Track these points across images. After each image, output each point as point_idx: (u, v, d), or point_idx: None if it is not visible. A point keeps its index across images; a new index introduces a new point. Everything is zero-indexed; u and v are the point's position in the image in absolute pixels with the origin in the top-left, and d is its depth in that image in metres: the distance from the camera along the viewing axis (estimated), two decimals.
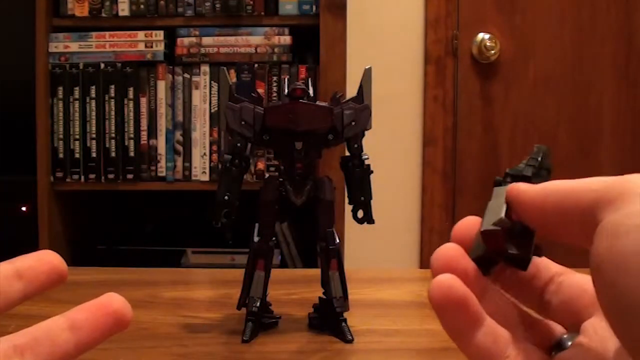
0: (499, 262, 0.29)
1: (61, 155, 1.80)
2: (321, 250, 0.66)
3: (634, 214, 0.22)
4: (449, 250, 0.29)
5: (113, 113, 1.79)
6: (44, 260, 0.29)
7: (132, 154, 1.80)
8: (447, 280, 0.27)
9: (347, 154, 0.67)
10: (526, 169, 0.31)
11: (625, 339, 0.22)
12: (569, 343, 0.28)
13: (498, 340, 0.27)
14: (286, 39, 1.78)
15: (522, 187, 0.28)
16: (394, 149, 2.11)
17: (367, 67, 0.67)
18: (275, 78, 1.77)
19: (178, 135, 1.80)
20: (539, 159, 0.31)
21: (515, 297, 0.30)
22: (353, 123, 0.65)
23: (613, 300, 0.22)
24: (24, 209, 1.87)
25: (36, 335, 0.26)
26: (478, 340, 0.27)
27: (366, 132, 0.66)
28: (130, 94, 1.79)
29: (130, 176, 1.79)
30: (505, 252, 0.28)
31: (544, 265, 0.30)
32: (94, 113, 1.79)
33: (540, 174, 0.31)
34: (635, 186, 0.23)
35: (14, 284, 0.28)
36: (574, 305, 0.29)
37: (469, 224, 0.30)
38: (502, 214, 0.28)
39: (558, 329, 0.29)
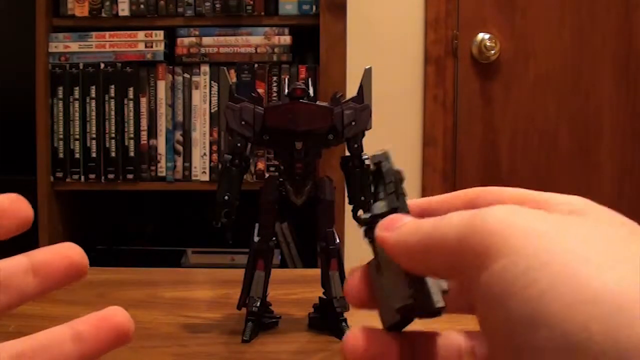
0: (412, 319, 0.28)
1: (61, 155, 1.80)
2: (321, 250, 0.66)
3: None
4: (359, 342, 0.28)
5: (113, 113, 1.79)
6: (62, 255, 0.28)
7: (132, 154, 1.80)
8: None
9: (347, 154, 0.67)
10: (386, 205, 0.31)
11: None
12: None
13: None
14: (286, 39, 1.78)
15: (384, 235, 0.28)
16: (394, 149, 2.11)
17: (367, 67, 0.67)
18: (275, 78, 1.77)
19: (178, 135, 1.80)
20: (394, 186, 0.31)
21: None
22: (353, 123, 0.65)
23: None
24: None
25: (41, 343, 0.25)
26: None
27: (366, 132, 0.66)
28: (130, 94, 1.79)
29: (130, 176, 1.79)
30: (418, 313, 0.27)
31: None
32: (94, 113, 1.79)
33: (400, 201, 0.31)
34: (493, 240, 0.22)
35: (29, 280, 0.27)
36: None
37: (358, 285, 0.30)
38: (406, 286, 0.27)
39: None
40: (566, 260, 0.20)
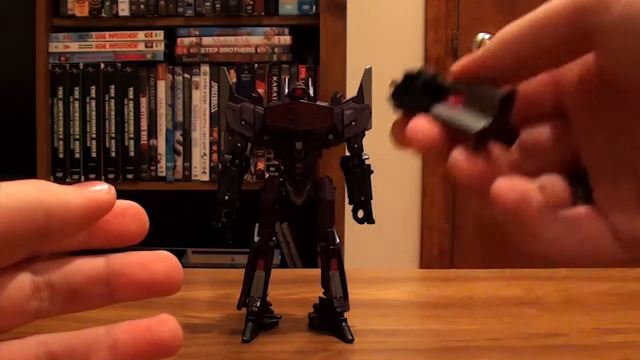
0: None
1: (61, 155, 1.80)
2: (321, 250, 0.66)
3: None
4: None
5: (113, 113, 1.79)
6: (145, 266, 0.25)
7: (132, 154, 1.80)
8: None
9: (347, 153, 0.67)
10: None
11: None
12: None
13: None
14: (286, 39, 1.78)
15: (472, 55, 0.29)
16: (394, 149, 2.11)
17: (367, 67, 0.67)
18: (275, 78, 1.77)
19: (178, 135, 1.80)
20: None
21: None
22: (353, 123, 0.65)
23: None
24: None
25: (74, 345, 0.24)
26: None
27: (366, 132, 0.66)
28: (130, 94, 1.79)
29: (130, 176, 1.79)
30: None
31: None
32: (94, 113, 1.79)
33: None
34: None
35: (99, 289, 0.24)
36: None
37: (427, 125, 0.29)
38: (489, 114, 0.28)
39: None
40: None
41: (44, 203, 0.22)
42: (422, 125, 0.29)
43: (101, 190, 0.24)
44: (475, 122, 0.28)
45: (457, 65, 0.30)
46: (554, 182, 0.28)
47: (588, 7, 0.25)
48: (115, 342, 0.24)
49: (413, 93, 0.30)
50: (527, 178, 0.28)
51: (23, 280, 0.23)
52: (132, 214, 0.25)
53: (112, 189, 0.24)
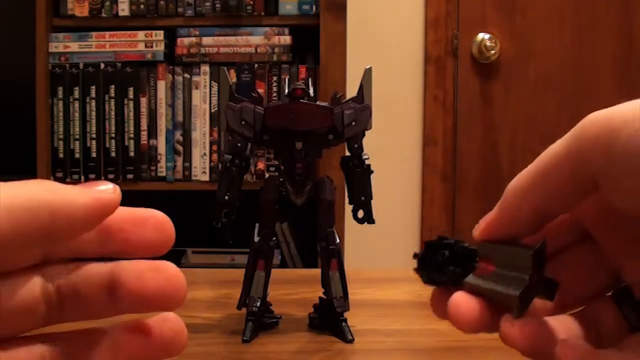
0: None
1: (61, 155, 1.80)
2: (321, 250, 0.66)
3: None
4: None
5: (113, 113, 1.79)
6: (145, 277, 0.24)
7: (132, 154, 1.80)
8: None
9: (348, 153, 0.67)
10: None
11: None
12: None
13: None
14: (286, 39, 1.78)
15: (489, 217, 0.29)
16: (394, 149, 2.11)
17: (367, 67, 0.67)
18: (275, 78, 1.77)
19: (178, 135, 1.80)
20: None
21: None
22: (353, 123, 0.65)
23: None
24: None
25: (76, 343, 0.23)
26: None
27: (366, 132, 0.66)
28: (130, 94, 1.79)
29: (130, 176, 1.79)
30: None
31: None
32: (94, 113, 1.79)
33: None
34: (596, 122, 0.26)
35: (101, 299, 0.24)
36: None
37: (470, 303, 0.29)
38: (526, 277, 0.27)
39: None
40: None
41: (49, 203, 0.22)
42: (462, 304, 0.28)
43: (106, 189, 0.23)
44: (515, 285, 0.27)
45: (478, 229, 0.30)
46: (601, 311, 0.29)
47: (588, 154, 0.26)
48: (117, 341, 0.24)
49: (439, 264, 0.30)
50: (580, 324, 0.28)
51: (34, 284, 0.23)
52: (153, 223, 0.25)
53: (117, 189, 0.24)
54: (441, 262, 0.29)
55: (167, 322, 0.24)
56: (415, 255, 0.30)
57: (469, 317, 0.28)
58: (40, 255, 0.23)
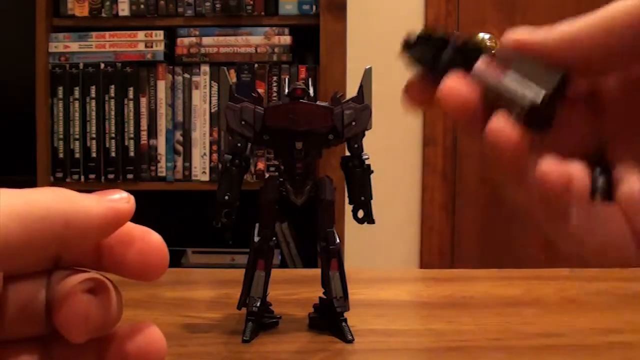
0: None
1: (61, 155, 1.80)
2: (321, 250, 0.66)
3: None
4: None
5: (113, 113, 1.79)
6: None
7: (132, 154, 1.80)
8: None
9: (348, 153, 0.67)
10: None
11: None
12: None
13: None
14: (286, 39, 1.78)
15: (536, 34, 0.26)
16: (394, 149, 2.11)
17: (367, 67, 0.67)
18: (275, 78, 1.77)
19: (178, 135, 1.80)
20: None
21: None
22: (353, 123, 0.65)
23: None
24: None
25: (65, 355, 0.23)
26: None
27: (366, 132, 0.66)
28: (130, 94, 1.79)
29: (130, 176, 1.79)
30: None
31: None
32: (94, 113, 1.79)
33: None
34: None
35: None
36: None
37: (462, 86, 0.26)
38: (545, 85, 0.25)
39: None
40: None
41: (64, 212, 0.21)
42: (460, 86, 0.26)
43: (120, 199, 0.23)
44: (531, 94, 0.25)
45: (516, 36, 0.27)
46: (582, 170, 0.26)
47: None
48: (99, 351, 0.24)
49: (438, 50, 0.27)
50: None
51: (41, 289, 0.23)
52: (140, 247, 0.24)
53: (132, 198, 0.24)
54: (440, 49, 0.27)
55: (144, 331, 0.24)
56: (407, 34, 0.27)
57: (465, 98, 0.25)
58: (51, 262, 0.23)
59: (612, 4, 0.25)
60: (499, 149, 0.25)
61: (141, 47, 1.79)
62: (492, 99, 0.26)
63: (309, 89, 0.64)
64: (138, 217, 0.24)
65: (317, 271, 0.68)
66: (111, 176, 1.79)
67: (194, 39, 1.79)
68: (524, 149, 0.25)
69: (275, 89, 1.77)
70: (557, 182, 0.24)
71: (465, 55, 0.27)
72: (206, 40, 1.79)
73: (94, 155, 1.79)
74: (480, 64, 0.26)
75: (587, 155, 0.27)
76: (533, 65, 0.26)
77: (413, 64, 0.28)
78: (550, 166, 0.25)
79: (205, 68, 1.79)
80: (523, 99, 0.25)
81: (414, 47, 0.27)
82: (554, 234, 0.27)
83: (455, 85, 0.26)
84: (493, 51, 0.27)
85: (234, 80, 1.76)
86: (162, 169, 1.80)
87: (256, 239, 0.66)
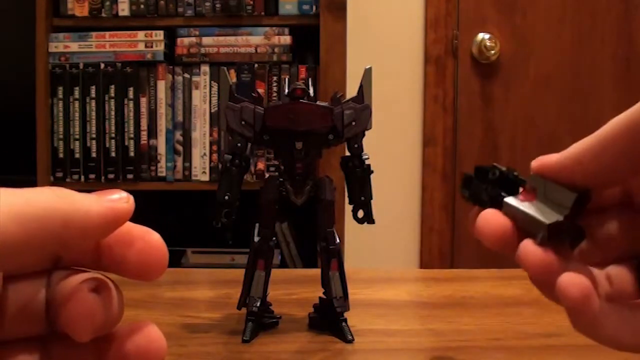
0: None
1: (61, 155, 1.80)
2: (321, 250, 0.66)
3: None
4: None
5: (113, 113, 1.79)
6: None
7: (132, 154, 1.80)
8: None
9: (348, 153, 0.67)
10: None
11: None
12: None
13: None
14: (286, 39, 1.78)
15: (553, 157, 0.29)
16: (394, 149, 2.11)
17: (367, 67, 0.67)
18: (275, 78, 1.77)
19: (178, 135, 1.80)
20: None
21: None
22: (353, 123, 0.65)
23: None
24: None
25: (64, 353, 0.24)
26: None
27: (366, 132, 0.66)
28: (130, 94, 1.79)
29: (130, 176, 1.79)
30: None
31: None
32: (94, 113, 1.79)
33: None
34: None
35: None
36: None
37: (499, 220, 0.29)
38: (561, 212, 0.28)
39: None
40: None
41: (63, 212, 0.21)
42: (492, 218, 0.29)
43: (120, 199, 0.23)
44: (549, 216, 0.28)
45: (539, 161, 0.30)
46: (621, 273, 0.29)
47: None
48: (99, 350, 0.24)
49: (485, 186, 0.31)
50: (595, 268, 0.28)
51: (40, 289, 0.23)
52: (141, 246, 0.24)
53: (131, 198, 0.24)
54: (489, 182, 0.31)
55: (143, 331, 0.24)
56: (464, 175, 0.32)
57: (495, 230, 0.29)
58: (51, 262, 0.23)
59: (610, 122, 0.28)
60: (526, 269, 0.28)
61: (141, 47, 1.79)
62: (522, 227, 0.29)
63: (309, 89, 0.64)
64: (138, 217, 0.24)
65: (317, 271, 0.68)
66: (111, 176, 1.79)
67: (194, 39, 1.79)
68: (548, 267, 0.28)
69: (275, 89, 1.77)
70: (573, 294, 0.27)
71: (504, 189, 0.31)
72: (206, 40, 1.79)
73: (94, 155, 1.80)
74: (509, 199, 0.30)
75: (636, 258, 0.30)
76: (554, 189, 0.29)
77: (467, 199, 0.32)
78: (567, 279, 0.27)
79: (205, 68, 1.79)
80: (542, 225, 0.28)
81: (468, 183, 0.32)
82: (593, 338, 0.29)
83: (488, 218, 0.30)
84: (525, 182, 0.31)
85: (234, 80, 1.76)
86: (162, 169, 1.80)
87: (256, 239, 0.66)
